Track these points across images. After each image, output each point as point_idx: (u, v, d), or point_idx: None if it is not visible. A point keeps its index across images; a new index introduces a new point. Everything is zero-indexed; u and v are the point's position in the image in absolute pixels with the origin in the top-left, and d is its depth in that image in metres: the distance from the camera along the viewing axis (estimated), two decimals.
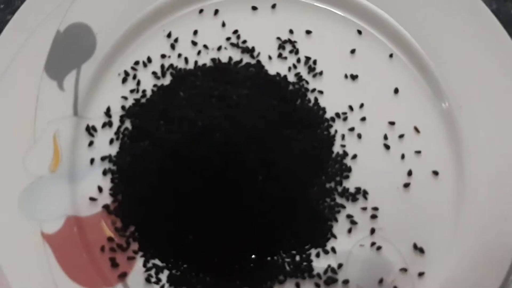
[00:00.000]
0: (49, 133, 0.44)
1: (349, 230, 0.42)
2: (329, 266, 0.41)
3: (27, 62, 0.45)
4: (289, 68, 0.47)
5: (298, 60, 0.48)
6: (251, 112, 0.41)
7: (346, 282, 0.41)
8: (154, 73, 0.47)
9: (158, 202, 0.41)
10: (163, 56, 0.48)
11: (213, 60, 0.47)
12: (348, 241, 0.42)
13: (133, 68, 0.47)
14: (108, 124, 0.45)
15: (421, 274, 0.41)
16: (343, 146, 0.45)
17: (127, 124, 0.45)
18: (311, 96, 0.46)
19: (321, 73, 0.47)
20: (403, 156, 0.44)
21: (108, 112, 0.46)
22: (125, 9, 0.48)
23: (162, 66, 0.47)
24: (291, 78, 0.47)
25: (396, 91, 0.47)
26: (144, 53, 0.48)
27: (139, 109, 0.45)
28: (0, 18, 0.49)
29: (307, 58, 0.48)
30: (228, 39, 0.48)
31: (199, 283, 0.40)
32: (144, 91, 0.46)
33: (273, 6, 0.49)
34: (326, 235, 0.42)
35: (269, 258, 0.41)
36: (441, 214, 0.43)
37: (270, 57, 0.48)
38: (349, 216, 0.43)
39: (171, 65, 0.47)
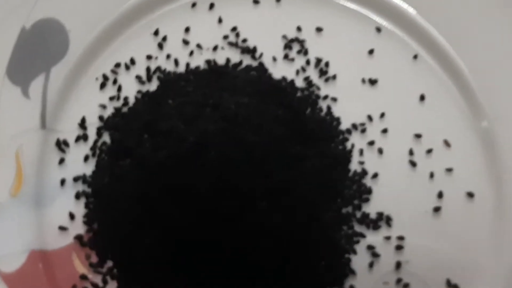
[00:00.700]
0: (11, 150, 0.43)
1: (371, 264, 0.40)
2: None
3: None
4: (297, 72, 0.46)
5: (308, 62, 0.46)
6: (252, 125, 0.40)
7: None
8: (138, 77, 0.46)
9: (140, 233, 0.39)
10: (149, 57, 0.47)
11: (207, 62, 0.46)
12: (370, 278, 0.40)
13: (113, 72, 0.46)
14: (83, 138, 0.44)
15: None
16: (361, 163, 0.43)
17: (106, 138, 0.44)
18: (323, 104, 0.45)
19: (334, 77, 0.46)
20: (432, 175, 0.43)
21: (82, 124, 0.44)
22: (104, 2, 0.47)
23: (148, 69, 0.46)
24: (300, 83, 0.46)
25: (422, 98, 0.45)
26: (127, 54, 0.46)
27: (120, 120, 0.44)
28: None
29: (318, 60, 0.46)
30: (225, 37, 0.47)
31: None
32: (126, 98, 0.45)
33: None
34: (343, 271, 0.40)
35: None
36: (478, 243, 0.41)
37: (274, 59, 0.46)
38: (370, 247, 0.41)
39: (158, 68, 0.46)
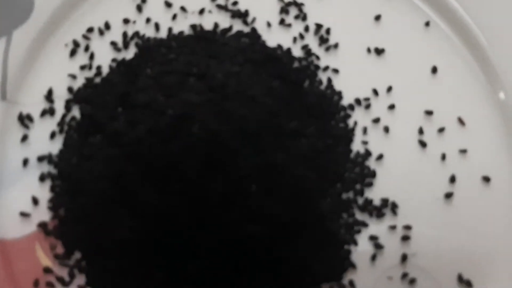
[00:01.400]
0: None
1: (373, 257, 0.39)
2: None
3: None
4: (294, 39, 0.45)
5: (306, 29, 0.45)
6: (242, 97, 0.38)
7: None
8: (113, 43, 0.45)
9: (113, 220, 0.38)
10: (126, 21, 0.46)
11: (193, 27, 0.45)
12: (372, 272, 0.39)
13: (85, 37, 0.45)
14: (49, 112, 0.43)
15: None
16: (365, 143, 0.42)
17: (75, 112, 0.43)
18: (323, 76, 0.44)
19: (336, 45, 0.45)
20: (444, 157, 0.42)
21: (49, 96, 0.43)
22: None
23: (125, 34, 0.45)
24: (297, 52, 0.45)
25: (434, 70, 0.44)
26: (101, 17, 0.46)
27: (92, 92, 0.43)
28: None
29: (318, 26, 0.45)
30: None
31: None
32: (99, 67, 0.44)
33: None
34: (342, 264, 0.39)
35: None
36: (494, 234, 0.40)
37: (269, 24, 0.45)
38: (373, 238, 0.40)
39: (136, 33, 0.45)
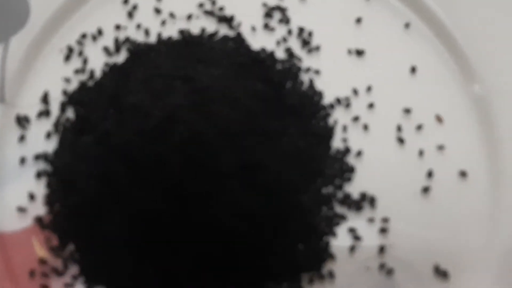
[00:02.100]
0: None
1: (352, 248, 0.40)
2: None
3: None
4: (278, 42, 0.46)
5: (289, 32, 0.46)
6: (226, 99, 0.39)
7: None
8: (105, 48, 0.46)
9: (104, 214, 0.38)
10: (117, 27, 0.46)
11: (181, 32, 0.46)
12: (350, 262, 0.39)
13: (78, 43, 0.46)
14: (45, 113, 0.44)
15: None
16: (344, 140, 0.43)
17: (69, 113, 0.43)
18: (305, 77, 0.44)
19: (317, 48, 0.45)
20: (421, 153, 0.42)
21: (45, 98, 0.44)
22: None
23: (116, 39, 0.46)
24: (280, 54, 0.45)
25: (413, 70, 0.45)
26: (94, 23, 0.46)
27: (85, 95, 0.44)
28: None
29: (301, 29, 0.46)
30: (200, 5, 0.47)
31: None
32: (92, 71, 0.45)
33: None
34: (321, 255, 0.39)
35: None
36: (470, 227, 0.41)
37: (253, 28, 0.46)
38: (351, 230, 0.40)
39: (127, 39, 0.46)
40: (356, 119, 0.43)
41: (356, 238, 0.40)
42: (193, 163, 0.37)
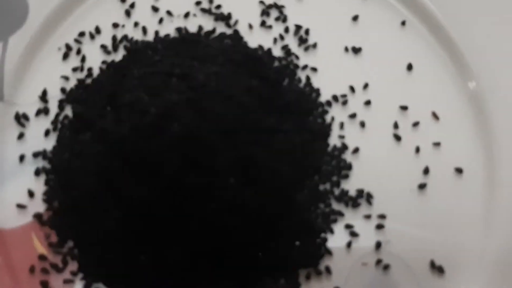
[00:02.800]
0: None
1: (348, 244, 0.40)
2: None
3: None
4: (275, 40, 0.46)
5: (286, 30, 0.46)
6: (221, 96, 0.39)
7: None
8: (103, 46, 0.46)
9: (102, 211, 0.38)
10: (115, 25, 0.47)
11: (178, 30, 0.46)
12: (347, 259, 0.39)
13: (77, 41, 0.46)
14: (44, 111, 0.44)
15: None
16: (341, 137, 0.43)
17: (68, 111, 0.44)
18: (302, 75, 0.45)
19: (314, 45, 0.46)
20: (418, 150, 0.42)
21: (43, 97, 0.44)
22: None
23: (114, 38, 0.46)
24: (277, 52, 0.45)
25: (409, 67, 0.45)
26: (92, 22, 0.46)
27: (83, 93, 0.44)
28: None
29: (298, 27, 0.46)
30: (198, 3, 0.47)
31: None
32: (90, 69, 0.45)
33: None
34: (318, 251, 0.39)
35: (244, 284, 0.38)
36: (465, 223, 0.41)
37: (250, 26, 0.46)
38: (348, 226, 0.40)
39: (125, 37, 0.46)
40: (353, 116, 0.43)
41: (353, 234, 0.40)
42: (189, 159, 0.37)
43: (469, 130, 0.43)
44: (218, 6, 0.46)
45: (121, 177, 0.38)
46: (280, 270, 0.39)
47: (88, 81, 0.44)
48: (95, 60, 0.45)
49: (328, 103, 0.43)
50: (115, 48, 0.45)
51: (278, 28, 0.46)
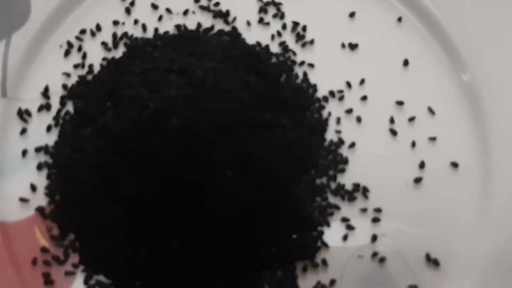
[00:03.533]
0: None
1: (345, 237, 0.40)
2: (318, 283, 0.39)
3: None
4: (272, 36, 0.46)
5: (284, 26, 0.47)
6: (219, 91, 0.39)
7: None
8: (104, 43, 0.46)
9: (103, 205, 0.39)
10: (115, 22, 0.47)
11: (177, 27, 0.46)
12: (343, 251, 0.40)
13: (78, 38, 0.46)
14: (46, 107, 0.44)
15: None
16: (338, 132, 0.43)
17: (69, 107, 0.44)
18: (299, 71, 0.45)
19: (312, 42, 0.46)
20: (413, 144, 0.43)
21: (45, 93, 0.44)
22: None
23: (114, 35, 0.46)
24: (275, 48, 0.46)
25: (405, 63, 0.45)
26: (92, 19, 0.47)
27: (84, 89, 0.44)
28: None
29: (295, 24, 0.46)
30: (196, 1, 0.47)
31: None
32: (91, 66, 0.45)
33: None
34: (315, 244, 0.40)
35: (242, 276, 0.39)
36: (461, 216, 0.41)
37: (248, 23, 0.47)
38: (344, 220, 0.41)
39: (125, 34, 0.46)
40: (349, 111, 0.43)
41: (349, 227, 0.40)
42: (187, 153, 0.37)
43: (464, 125, 0.43)
44: (217, 4, 0.47)
45: (121, 171, 0.38)
46: (277, 262, 0.39)
47: (89, 77, 0.45)
48: (96, 57, 0.45)
49: (325, 99, 0.44)
50: (116, 45, 0.46)
51: (276, 25, 0.46)
